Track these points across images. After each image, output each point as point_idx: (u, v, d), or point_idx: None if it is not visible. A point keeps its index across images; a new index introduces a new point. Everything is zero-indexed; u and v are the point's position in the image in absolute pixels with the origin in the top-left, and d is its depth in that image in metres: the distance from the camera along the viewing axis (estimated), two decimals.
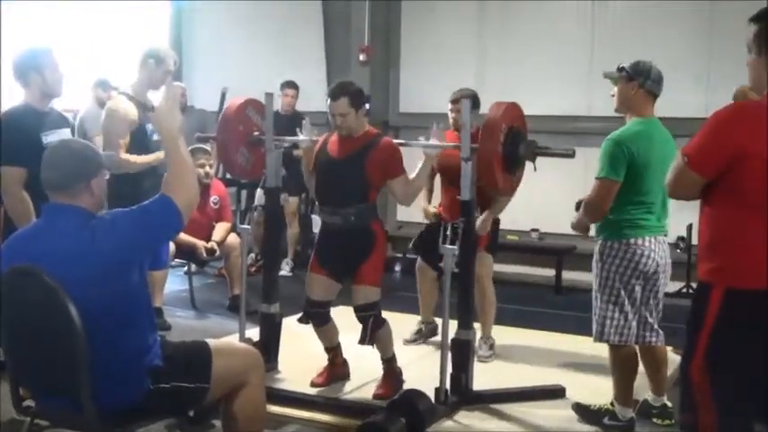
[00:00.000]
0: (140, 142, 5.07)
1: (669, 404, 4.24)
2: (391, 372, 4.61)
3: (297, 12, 9.25)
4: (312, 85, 8.37)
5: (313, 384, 4.64)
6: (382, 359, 4.61)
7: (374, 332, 4.44)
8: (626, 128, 3.95)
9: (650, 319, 4.07)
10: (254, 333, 5.03)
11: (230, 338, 4.87)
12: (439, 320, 4.85)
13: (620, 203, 3.89)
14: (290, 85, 7.97)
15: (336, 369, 4.74)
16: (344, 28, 8.84)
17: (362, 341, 4.45)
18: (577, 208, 4.04)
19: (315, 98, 8.31)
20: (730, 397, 2.63)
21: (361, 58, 8.67)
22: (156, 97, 4.93)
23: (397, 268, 8.30)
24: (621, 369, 4.10)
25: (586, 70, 7.97)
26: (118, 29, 9.94)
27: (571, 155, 4.23)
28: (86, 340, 2.65)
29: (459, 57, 8.53)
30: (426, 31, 8.76)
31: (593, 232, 4.13)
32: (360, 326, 4.45)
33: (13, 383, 2.96)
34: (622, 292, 3.96)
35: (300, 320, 4.71)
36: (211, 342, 3.16)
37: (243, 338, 4.84)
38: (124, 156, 5.03)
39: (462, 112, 4.43)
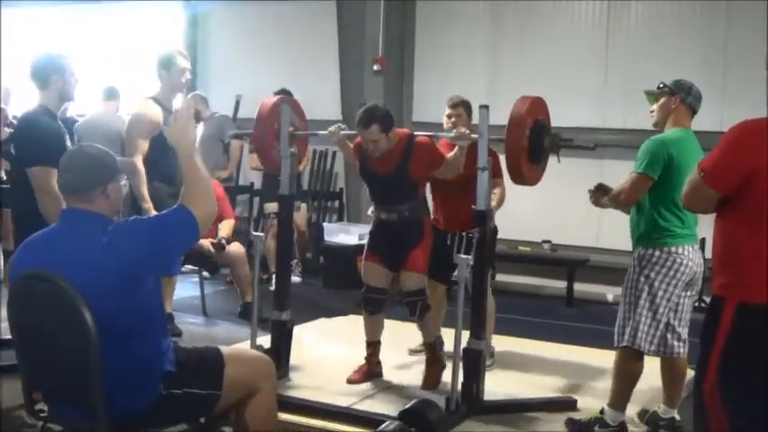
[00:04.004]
0: (163, 145, 5.09)
1: (678, 417, 4.24)
2: (435, 359, 4.85)
3: (311, 20, 9.27)
4: (326, 93, 8.39)
5: (349, 381, 4.83)
6: (427, 343, 4.89)
7: (423, 313, 4.75)
8: (669, 132, 4.04)
9: (678, 329, 4.10)
10: (264, 340, 5.03)
11: (241, 345, 4.88)
12: (449, 331, 4.84)
13: (658, 209, 3.97)
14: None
15: (372, 367, 4.93)
16: (359, 37, 8.86)
17: (411, 315, 4.78)
18: (597, 188, 4.16)
19: (329, 107, 8.35)
20: (742, 412, 2.62)
21: (375, 67, 8.69)
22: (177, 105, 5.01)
23: None
24: (630, 376, 4.11)
25: (601, 83, 7.97)
26: (132, 36, 10.03)
27: (592, 148, 4.44)
28: (100, 346, 2.65)
29: (473, 67, 8.54)
30: (440, 41, 8.77)
31: (624, 244, 4.14)
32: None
33: (25, 388, 2.96)
34: (660, 301, 3.98)
35: (358, 306, 4.97)
36: (224, 349, 3.16)
37: (254, 345, 4.84)
38: (139, 164, 5.13)
39: (480, 122, 4.45)
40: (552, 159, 4.46)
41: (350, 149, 4.94)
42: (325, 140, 5.22)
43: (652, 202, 3.99)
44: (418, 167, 4.66)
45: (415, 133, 4.80)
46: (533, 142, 4.27)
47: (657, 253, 3.99)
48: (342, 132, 4.91)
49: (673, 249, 3.97)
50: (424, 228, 4.77)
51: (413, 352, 5.49)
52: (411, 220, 4.72)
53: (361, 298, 4.92)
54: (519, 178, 4.33)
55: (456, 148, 4.62)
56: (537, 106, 4.37)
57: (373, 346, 4.94)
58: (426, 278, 4.80)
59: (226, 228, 6.53)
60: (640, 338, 4.00)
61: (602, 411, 4.21)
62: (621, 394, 4.15)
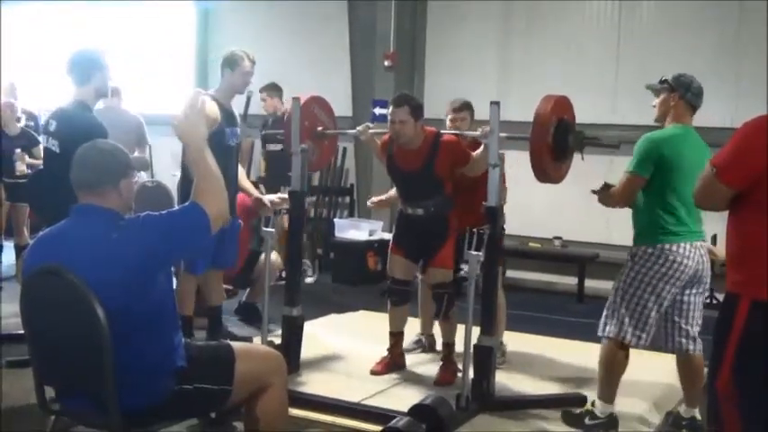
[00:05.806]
0: (218, 144, 4.99)
1: (698, 417, 4.22)
2: (450, 359, 4.92)
3: (322, 17, 9.27)
4: (337, 90, 8.38)
5: (373, 372, 4.93)
6: (444, 343, 4.97)
7: (449, 308, 4.83)
8: (662, 130, 4.04)
9: (685, 326, 4.08)
10: (275, 336, 5.04)
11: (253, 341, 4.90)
12: (459, 327, 4.84)
13: (652, 207, 3.98)
14: (269, 88, 7.53)
15: (395, 358, 5.03)
16: (370, 33, 8.85)
17: (437, 315, 4.92)
18: (603, 188, 4.10)
19: (340, 103, 8.33)
20: (755, 410, 2.61)
21: (386, 63, 8.68)
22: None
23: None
24: (614, 368, 4.13)
25: (612, 79, 7.95)
26: (143, 33, 10.04)
27: (616, 146, 4.38)
28: (112, 341, 2.66)
29: (484, 63, 8.54)
30: (451, 37, 8.76)
31: (626, 240, 4.13)
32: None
33: (38, 382, 2.97)
34: (648, 296, 3.99)
35: (383, 295, 5.09)
36: (234, 344, 3.17)
37: (265, 341, 4.85)
38: None
39: (491, 119, 4.45)
40: (576, 157, 4.49)
41: (377, 146, 5.04)
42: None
43: (646, 201, 4.00)
44: (444, 165, 4.74)
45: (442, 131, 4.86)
46: (557, 141, 4.30)
47: (650, 250, 3.99)
48: (370, 131, 5.01)
49: (666, 247, 3.96)
50: (450, 224, 4.82)
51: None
52: (436, 215, 4.80)
53: (386, 289, 5.04)
54: (543, 176, 4.36)
55: (482, 146, 4.63)
56: (561, 105, 4.41)
57: (396, 336, 5.04)
58: (452, 273, 4.86)
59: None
60: (625, 331, 4.03)
61: (593, 404, 4.25)
62: (607, 385, 4.16)
